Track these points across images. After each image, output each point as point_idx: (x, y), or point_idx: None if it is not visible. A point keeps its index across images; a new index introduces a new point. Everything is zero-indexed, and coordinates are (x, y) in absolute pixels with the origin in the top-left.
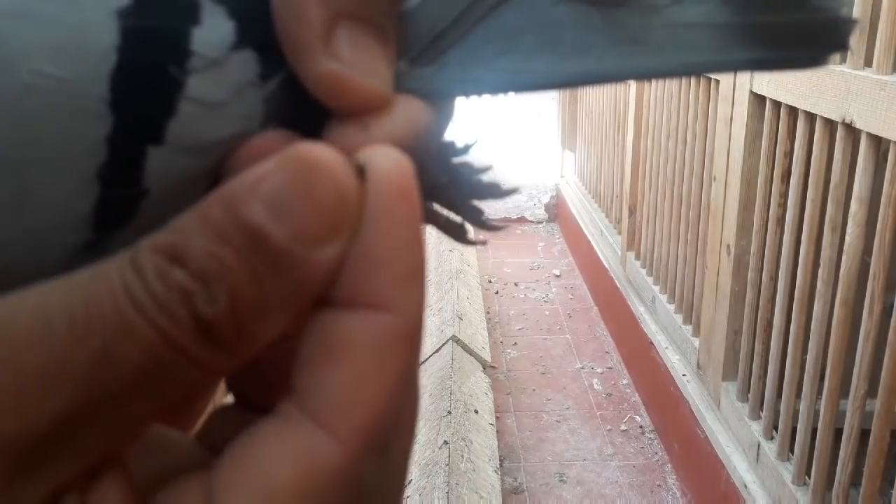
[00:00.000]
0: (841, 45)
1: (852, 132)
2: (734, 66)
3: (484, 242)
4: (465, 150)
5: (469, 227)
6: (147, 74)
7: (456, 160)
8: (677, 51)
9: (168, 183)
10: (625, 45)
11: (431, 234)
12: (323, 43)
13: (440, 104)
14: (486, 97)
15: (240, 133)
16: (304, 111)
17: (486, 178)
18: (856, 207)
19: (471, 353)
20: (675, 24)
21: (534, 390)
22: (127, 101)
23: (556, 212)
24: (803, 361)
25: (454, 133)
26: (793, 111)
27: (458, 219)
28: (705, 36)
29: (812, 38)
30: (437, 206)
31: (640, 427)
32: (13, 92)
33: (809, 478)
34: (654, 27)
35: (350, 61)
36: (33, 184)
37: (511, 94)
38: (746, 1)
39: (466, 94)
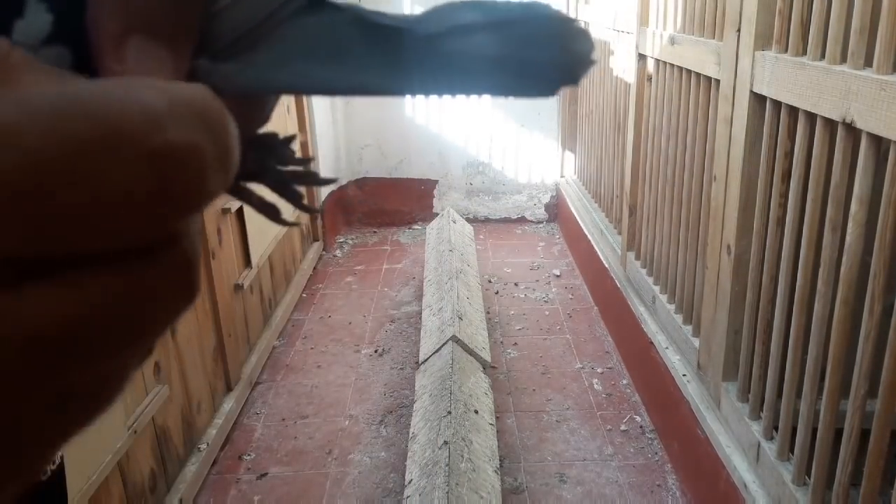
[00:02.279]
0: (575, 82)
1: (852, 132)
2: (489, 92)
3: (297, 224)
4: (286, 141)
5: (287, 208)
6: None
7: (276, 149)
8: (452, 75)
9: None
10: (401, 66)
11: (431, 234)
12: (114, 49)
13: (250, 98)
14: (291, 94)
15: None
16: None
17: (306, 166)
18: (856, 207)
19: (471, 353)
20: (453, 52)
21: (534, 390)
22: None
23: (556, 212)
24: (803, 361)
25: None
26: (793, 111)
27: (272, 200)
28: (476, 65)
29: (558, 74)
30: (253, 187)
31: (641, 427)
32: None
33: (809, 478)
34: (433, 53)
35: (133, 67)
36: None
37: (301, 94)
38: (513, 37)
39: (264, 90)
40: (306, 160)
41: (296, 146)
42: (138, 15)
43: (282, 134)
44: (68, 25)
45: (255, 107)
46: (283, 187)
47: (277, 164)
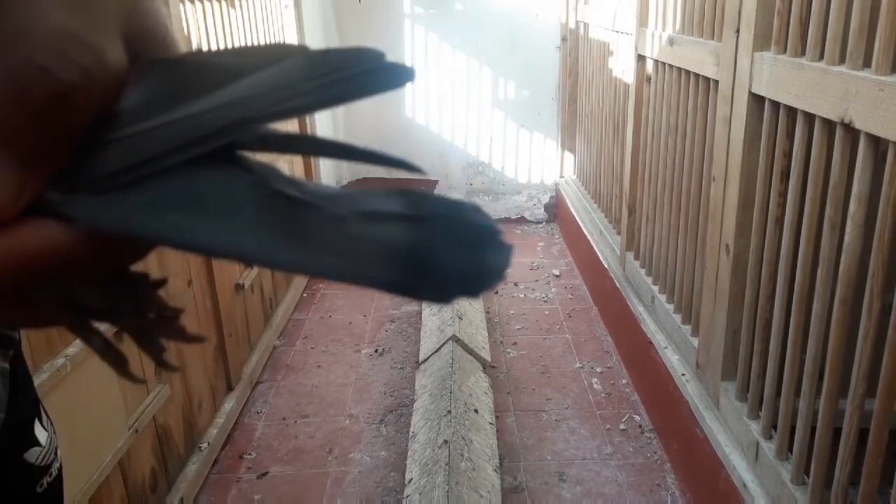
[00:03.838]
0: (474, 296)
1: (851, 132)
2: (379, 285)
3: (143, 381)
4: (156, 285)
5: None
6: None
7: (144, 293)
8: (346, 259)
9: None
10: (293, 239)
11: None
12: None
13: (107, 235)
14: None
15: None
16: None
17: (174, 317)
18: (854, 207)
19: (471, 352)
20: (357, 235)
21: (533, 390)
22: None
23: (556, 212)
24: (802, 361)
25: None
26: (792, 111)
27: (118, 350)
28: (376, 254)
29: (460, 284)
30: (99, 328)
31: (640, 426)
32: None
33: (808, 477)
34: (335, 234)
35: None
36: None
37: (169, 246)
38: (429, 235)
39: (127, 233)
40: (175, 310)
41: (164, 293)
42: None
43: (158, 275)
44: None
45: (125, 242)
46: (143, 335)
47: (140, 309)
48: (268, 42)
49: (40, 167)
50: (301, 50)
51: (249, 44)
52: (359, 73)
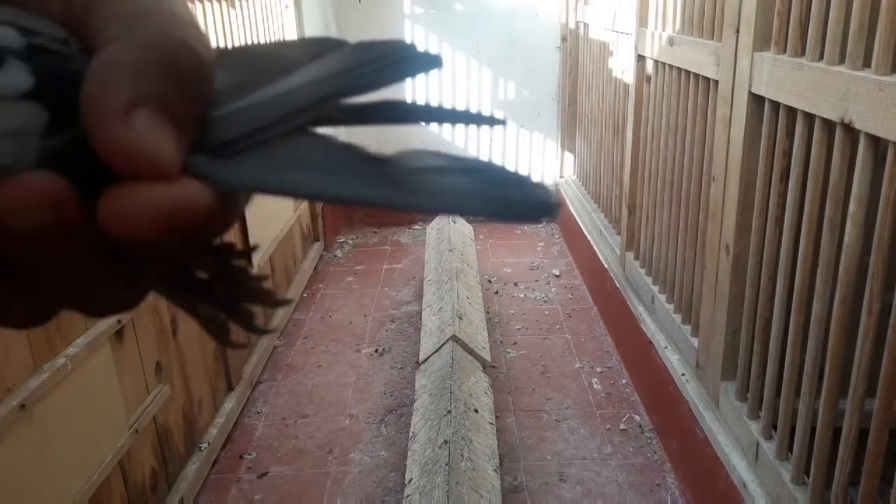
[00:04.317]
0: (549, 217)
1: (851, 132)
2: (478, 214)
3: (244, 345)
4: (243, 254)
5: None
6: None
7: (232, 262)
8: (444, 197)
9: None
10: (399, 185)
11: (431, 234)
12: (124, 114)
13: (227, 199)
14: (274, 195)
15: (9, 165)
16: (89, 170)
17: (260, 284)
18: (854, 207)
19: (471, 352)
20: (437, 183)
21: (533, 390)
22: None
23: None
24: (802, 361)
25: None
26: (791, 112)
27: (221, 317)
28: (457, 192)
29: (530, 209)
30: (202, 302)
31: (640, 426)
32: None
33: (808, 477)
34: (414, 178)
35: (143, 134)
36: None
37: (300, 197)
38: (485, 180)
39: (254, 190)
40: (262, 277)
41: (255, 259)
42: (150, 92)
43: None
44: (52, 92)
45: (229, 206)
46: (234, 306)
47: (230, 279)
48: (308, 37)
49: (189, 131)
50: (341, 42)
51: (281, 39)
52: (401, 60)
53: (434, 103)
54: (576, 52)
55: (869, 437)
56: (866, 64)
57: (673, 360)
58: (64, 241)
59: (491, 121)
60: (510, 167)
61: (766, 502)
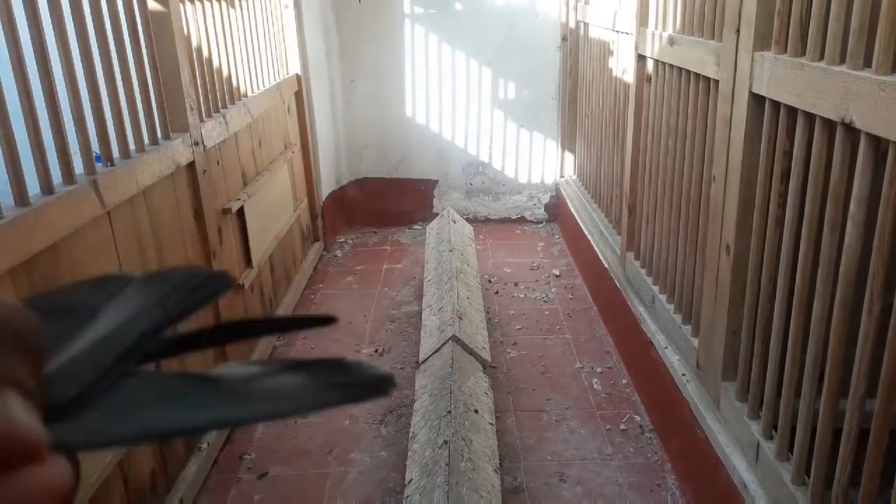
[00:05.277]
0: (383, 392)
1: (851, 132)
2: (319, 408)
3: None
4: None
5: None
6: None
7: None
8: (280, 399)
9: None
10: (241, 398)
11: (431, 234)
12: None
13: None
14: (126, 444)
15: None
16: None
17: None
18: (855, 207)
19: (471, 353)
20: (271, 387)
21: (534, 390)
22: None
23: (556, 212)
24: (802, 361)
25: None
26: (792, 112)
27: None
28: (294, 390)
29: (364, 387)
30: None
31: (640, 427)
32: None
33: (809, 477)
34: (254, 390)
35: (16, 419)
36: None
37: (154, 441)
38: (320, 372)
39: (110, 445)
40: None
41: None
42: (9, 372)
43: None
44: None
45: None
46: None
47: None
48: (93, 277)
49: (38, 399)
50: (129, 277)
51: (70, 283)
52: (201, 284)
53: (260, 316)
54: (576, 52)
55: (869, 437)
56: (867, 64)
57: (673, 360)
58: None
59: (322, 321)
60: (330, 360)
61: (766, 502)
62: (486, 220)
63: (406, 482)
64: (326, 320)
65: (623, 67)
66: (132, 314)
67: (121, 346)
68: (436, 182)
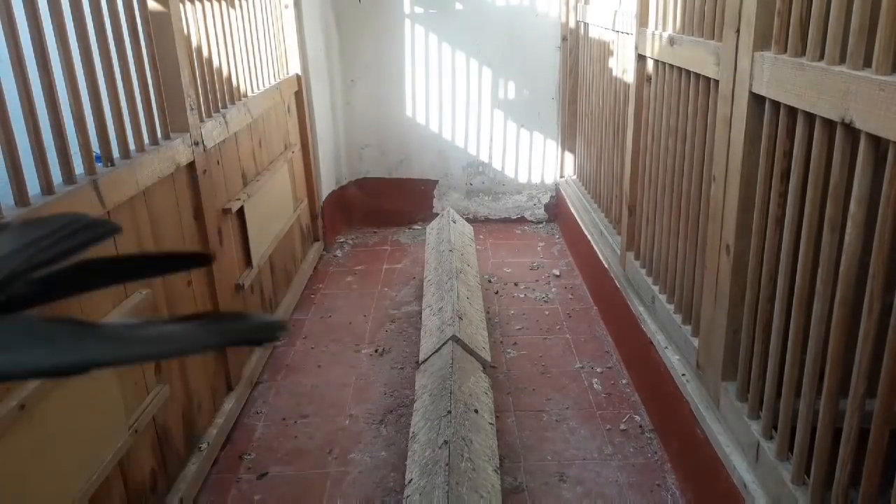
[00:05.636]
0: (272, 337)
1: (851, 132)
2: (201, 349)
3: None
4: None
5: None
6: None
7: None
8: (158, 342)
9: None
10: (109, 344)
11: (431, 234)
12: None
13: None
14: None
15: None
16: None
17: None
18: (855, 207)
19: (471, 353)
20: (153, 332)
21: (534, 390)
22: None
23: (556, 212)
24: (802, 361)
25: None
26: (792, 111)
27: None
28: (183, 333)
29: (257, 332)
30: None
31: (640, 426)
32: None
33: (809, 477)
34: (136, 332)
35: None
36: None
37: (11, 380)
38: (212, 321)
39: None
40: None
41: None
42: None
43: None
44: None
45: None
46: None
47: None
48: None
49: None
50: (3, 224)
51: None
52: (78, 230)
53: (129, 252)
54: (576, 51)
55: (869, 437)
56: (867, 64)
57: (673, 360)
58: None
59: (196, 261)
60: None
61: (766, 502)
62: (486, 220)
63: (406, 482)
64: (200, 259)
65: (623, 67)
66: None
67: None
68: (436, 182)
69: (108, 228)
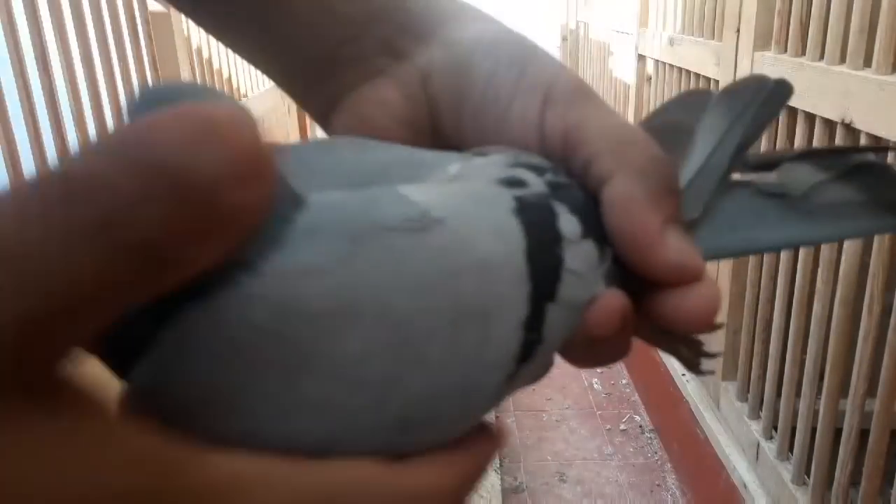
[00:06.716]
0: None
1: (852, 132)
2: (878, 231)
3: (712, 372)
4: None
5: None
6: (544, 251)
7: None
8: (835, 221)
9: (552, 333)
10: (806, 220)
11: None
12: (659, 240)
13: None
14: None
15: (594, 295)
16: (625, 279)
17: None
18: None
19: None
20: (828, 203)
21: (533, 390)
22: (536, 270)
23: None
24: (803, 361)
25: None
26: (792, 111)
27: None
28: (852, 210)
29: None
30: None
31: (640, 426)
32: (474, 263)
33: (809, 477)
34: (813, 207)
35: (679, 252)
36: (492, 331)
37: (745, 254)
38: (876, 185)
39: (725, 256)
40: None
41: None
42: (668, 214)
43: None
44: (587, 222)
45: None
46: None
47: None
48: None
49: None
50: (708, 93)
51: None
52: (771, 94)
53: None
54: (576, 52)
55: (870, 437)
56: (867, 64)
57: (673, 360)
58: (622, 334)
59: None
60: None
61: (766, 502)
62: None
63: None
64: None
65: (623, 67)
66: (721, 133)
67: (720, 168)
68: None
69: (787, 90)
